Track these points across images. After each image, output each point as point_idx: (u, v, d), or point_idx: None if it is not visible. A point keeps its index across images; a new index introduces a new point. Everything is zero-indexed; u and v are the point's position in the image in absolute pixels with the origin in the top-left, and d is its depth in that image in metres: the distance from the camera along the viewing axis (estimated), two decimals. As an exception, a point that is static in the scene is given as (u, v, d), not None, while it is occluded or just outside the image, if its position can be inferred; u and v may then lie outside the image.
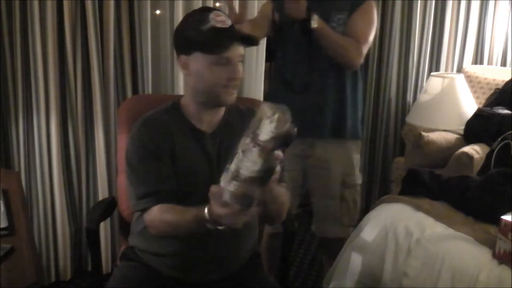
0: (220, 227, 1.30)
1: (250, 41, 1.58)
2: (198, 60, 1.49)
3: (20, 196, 1.84)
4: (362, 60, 2.19)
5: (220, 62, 1.48)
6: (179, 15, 2.64)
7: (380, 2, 3.14)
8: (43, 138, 2.47)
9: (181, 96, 1.66)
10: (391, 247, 2.01)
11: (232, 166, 1.20)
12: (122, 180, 1.86)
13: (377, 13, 2.29)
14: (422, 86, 3.35)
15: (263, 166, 1.19)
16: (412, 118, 3.16)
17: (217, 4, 2.79)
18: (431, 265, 1.88)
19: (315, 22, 2.05)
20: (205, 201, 1.33)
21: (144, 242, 1.64)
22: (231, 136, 1.50)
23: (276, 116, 1.21)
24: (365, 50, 2.17)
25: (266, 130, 1.20)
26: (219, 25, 1.46)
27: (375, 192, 3.43)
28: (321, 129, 2.22)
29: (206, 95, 1.53)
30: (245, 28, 1.69)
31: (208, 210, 1.29)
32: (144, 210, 1.52)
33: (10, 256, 1.42)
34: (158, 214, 1.49)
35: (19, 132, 2.46)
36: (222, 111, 1.62)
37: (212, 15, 1.46)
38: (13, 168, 2.47)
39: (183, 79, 1.57)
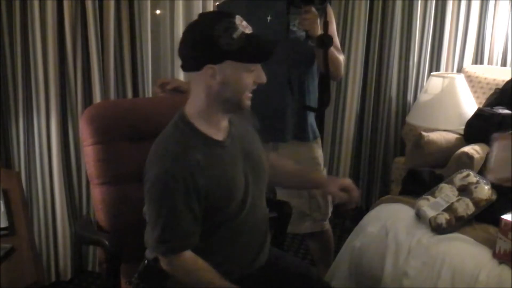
0: None
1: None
2: (228, 68, 1.42)
3: (20, 196, 1.84)
4: None
5: (251, 69, 1.45)
6: (179, 15, 2.64)
7: (380, 2, 3.14)
8: (43, 138, 2.47)
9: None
10: (391, 247, 2.01)
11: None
12: (96, 195, 1.83)
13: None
14: (422, 86, 3.35)
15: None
16: (412, 118, 3.15)
17: (217, 4, 2.78)
18: (431, 265, 1.88)
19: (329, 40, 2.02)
20: (245, 207, 1.52)
21: None
22: (240, 135, 1.57)
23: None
24: None
25: (483, 189, 2.05)
26: (246, 31, 1.42)
27: (375, 192, 3.43)
28: (283, 134, 2.21)
29: (231, 102, 1.48)
30: None
31: None
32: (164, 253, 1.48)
33: (10, 256, 1.43)
34: (190, 266, 1.47)
35: (19, 132, 2.45)
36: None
37: (237, 21, 1.41)
38: (13, 168, 2.47)
39: (193, 87, 1.48)
